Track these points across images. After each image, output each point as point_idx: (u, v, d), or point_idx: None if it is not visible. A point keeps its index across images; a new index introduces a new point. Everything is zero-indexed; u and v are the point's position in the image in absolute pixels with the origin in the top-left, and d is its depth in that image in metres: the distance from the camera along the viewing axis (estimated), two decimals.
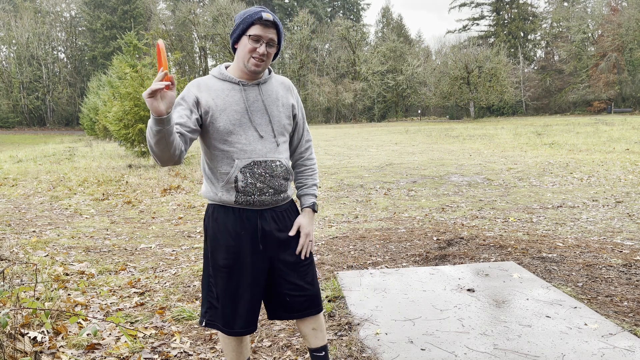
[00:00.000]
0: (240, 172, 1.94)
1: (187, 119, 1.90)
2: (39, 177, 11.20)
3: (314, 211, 2.15)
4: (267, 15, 1.91)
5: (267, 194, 1.99)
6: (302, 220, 2.11)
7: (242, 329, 2.03)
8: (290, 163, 2.13)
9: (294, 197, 2.22)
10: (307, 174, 2.19)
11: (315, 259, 4.49)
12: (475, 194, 7.87)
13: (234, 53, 2.00)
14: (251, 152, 1.96)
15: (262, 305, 2.17)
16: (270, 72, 2.10)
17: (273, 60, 2.04)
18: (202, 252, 2.13)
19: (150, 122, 1.72)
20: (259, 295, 2.07)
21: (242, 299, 2.02)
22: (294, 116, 2.12)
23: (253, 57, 1.93)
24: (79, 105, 45.45)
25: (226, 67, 2.06)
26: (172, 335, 2.96)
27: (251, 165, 1.95)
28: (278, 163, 2.00)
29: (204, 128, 1.97)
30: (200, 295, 3.63)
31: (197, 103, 1.94)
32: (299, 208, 2.18)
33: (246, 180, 1.95)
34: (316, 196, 2.16)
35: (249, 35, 1.90)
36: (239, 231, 1.99)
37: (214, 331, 3.02)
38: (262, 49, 1.92)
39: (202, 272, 2.07)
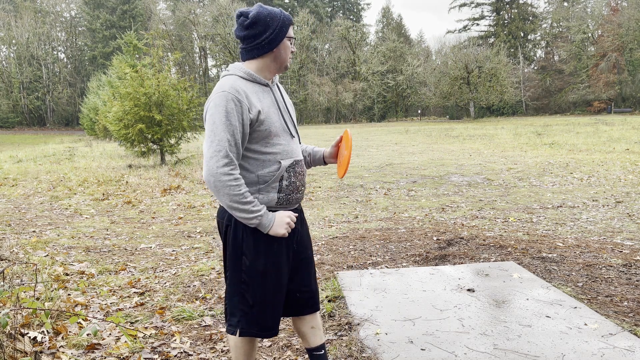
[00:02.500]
0: (286, 171, 1.97)
1: (239, 149, 1.90)
2: (39, 177, 11.20)
3: None
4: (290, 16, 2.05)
5: (301, 192, 2.07)
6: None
7: (276, 331, 2.05)
8: None
9: None
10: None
11: (316, 259, 4.49)
12: (475, 194, 7.87)
13: (264, 55, 1.96)
14: (291, 152, 2.01)
15: None
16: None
17: None
18: (223, 261, 2.06)
19: (243, 215, 1.88)
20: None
21: (279, 301, 2.03)
22: None
23: (289, 57, 2.03)
24: (79, 105, 45.45)
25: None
26: (172, 335, 2.96)
27: (294, 165, 2.00)
28: (304, 161, 2.13)
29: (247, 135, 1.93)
30: (195, 294, 3.63)
31: (248, 112, 1.87)
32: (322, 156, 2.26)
33: (290, 180, 1.99)
34: None
35: (290, 38, 1.99)
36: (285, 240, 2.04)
37: (214, 331, 3.02)
38: (293, 47, 2.05)
39: (226, 281, 2.04)
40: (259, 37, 1.92)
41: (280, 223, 1.92)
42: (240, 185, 1.85)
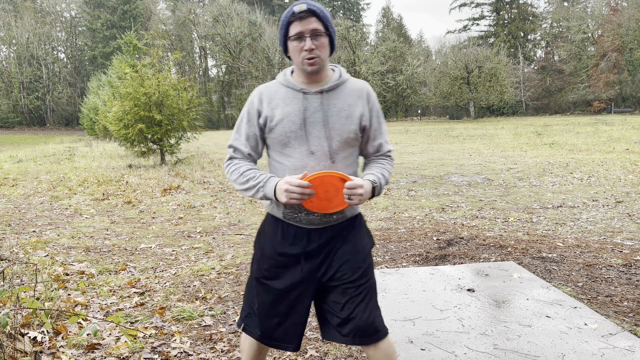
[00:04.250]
0: None
1: (255, 144, 1.91)
2: (39, 177, 11.20)
3: (373, 190, 1.80)
4: (300, 6, 1.73)
5: (315, 214, 1.82)
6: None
7: (286, 345, 1.98)
8: None
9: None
10: (374, 164, 1.92)
11: None
12: (475, 194, 7.87)
13: (291, 60, 1.85)
14: (302, 168, 1.79)
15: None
16: (340, 75, 1.87)
17: (331, 53, 1.84)
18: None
19: (251, 192, 1.82)
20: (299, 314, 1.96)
21: (283, 314, 1.95)
22: (363, 128, 1.86)
23: (304, 57, 1.74)
24: (79, 105, 45.47)
25: (292, 72, 1.88)
26: (172, 335, 2.96)
27: None
28: None
29: (265, 137, 1.89)
30: (195, 294, 3.63)
31: (259, 116, 1.85)
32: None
33: None
34: (383, 185, 1.85)
35: (290, 37, 1.75)
36: (285, 244, 1.89)
37: (214, 331, 3.02)
38: (307, 43, 1.72)
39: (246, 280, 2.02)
40: (281, 46, 1.85)
41: (280, 191, 1.72)
42: (239, 168, 1.87)
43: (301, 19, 1.72)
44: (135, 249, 5.08)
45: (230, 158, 1.93)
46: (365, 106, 1.87)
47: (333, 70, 1.91)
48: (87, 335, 2.81)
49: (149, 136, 13.21)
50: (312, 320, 3.15)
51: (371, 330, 1.84)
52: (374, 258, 4.46)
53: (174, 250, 5.01)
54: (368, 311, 1.84)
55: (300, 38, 1.73)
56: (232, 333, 3.01)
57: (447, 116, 56.84)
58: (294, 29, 1.74)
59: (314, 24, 1.73)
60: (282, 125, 1.80)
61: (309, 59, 1.74)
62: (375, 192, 1.80)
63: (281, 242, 1.90)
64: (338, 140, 1.80)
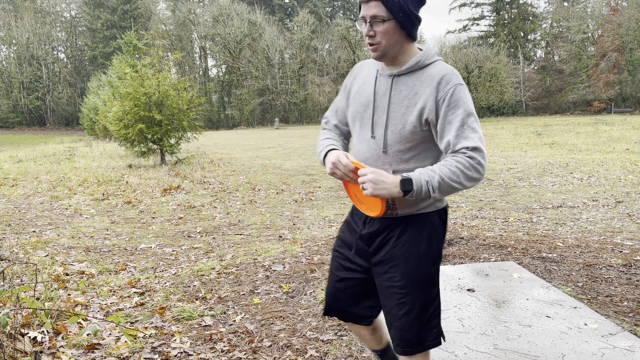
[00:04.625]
0: None
1: (343, 117, 1.91)
2: (39, 177, 11.20)
3: (405, 185, 1.56)
4: None
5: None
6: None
7: (331, 312, 2.06)
8: None
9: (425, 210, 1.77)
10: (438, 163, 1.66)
11: (315, 259, 4.49)
12: (475, 194, 7.87)
13: None
14: (357, 151, 1.77)
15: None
16: (418, 61, 1.68)
17: (411, 36, 1.67)
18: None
19: (319, 160, 1.80)
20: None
21: (330, 284, 2.03)
22: (427, 122, 1.65)
23: (367, 42, 1.67)
24: (79, 105, 45.47)
25: None
26: (172, 335, 2.96)
27: None
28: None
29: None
30: (195, 294, 3.63)
31: (347, 88, 1.88)
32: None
33: None
34: (425, 181, 1.56)
35: (361, 18, 1.66)
36: (352, 221, 1.90)
37: (214, 331, 3.02)
38: (365, 29, 1.65)
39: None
40: None
41: (328, 161, 1.69)
42: (320, 137, 1.90)
43: (364, 2, 1.64)
44: (135, 249, 5.08)
45: (322, 128, 1.98)
46: (432, 96, 1.63)
47: (420, 51, 1.73)
48: (87, 335, 2.81)
49: (149, 136, 13.21)
50: (312, 321, 3.15)
51: (407, 343, 1.80)
52: None
53: (174, 250, 5.01)
54: (409, 322, 1.76)
55: (364, 22, 1.66)
56: (232, 333, 3.01)
57: None
58: (360, 13, 1.67)
59: (373, 9, 1.61)
60: (354, 103, 1.78)
61: (369, 44, 1.66)
62: (404, 186, 1.55)
63: (352, 217, 1.93)
64: (394, 130, 1.68)
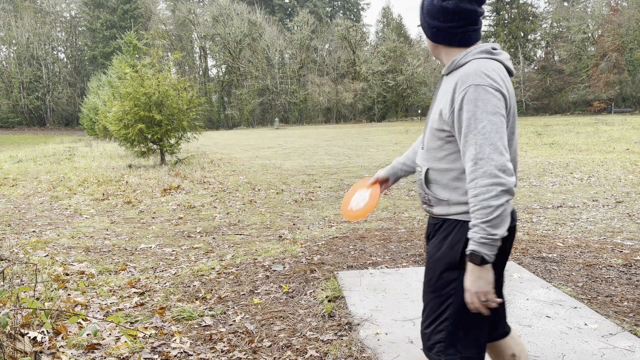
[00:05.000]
0: None
1: None
2: (39, 177, 11.20)
3: (475, 263, 1.52)
4: None
5: (422, 201, 1.82)
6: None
7: None
8: (435, 176, 1.69)
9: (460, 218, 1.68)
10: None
11: (315, 259, 4.49)
12: None
13: None
14: (418, 147, 1.90)
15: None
16: (453, 61, 1.67)
17: (442, 42, 1.71)
18: None
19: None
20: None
21: None
22: (446, 123, 1.62)
23: None
24: (79, 105, 45.49)
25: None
26: (172, 335, 2.96)
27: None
28: (418, 169, 1.78)
29: None
30: (195, 294, 3.62)
31: None
32: None
33: None
34: (479, 243, 1.49)
35: None
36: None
37: (214, 331, 3.02)
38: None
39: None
40: None
41: None
42: None
43: None
44: (135, 249, 5.08)
45: None
46: (448, 101, 1.60)
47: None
48: (87, 335, 2.81)
49: (149, 136, 13.21)
50: (312, 321, 3.15)
51: (424, 345, 1.77)
52: (374, 258, 4.46)
53: (174, 250, 5.01)
54: (422, 323, 1.77)
55: None
56: (232, 333, 3.01)
57: None
58: None
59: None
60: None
61: None
62: (475, 261, 1.52)
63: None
64: (429, 128, 1.72)
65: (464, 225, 1.63)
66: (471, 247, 1.51)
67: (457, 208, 1.65)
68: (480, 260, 1.50)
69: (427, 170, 1.70)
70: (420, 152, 1.77)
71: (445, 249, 1.68)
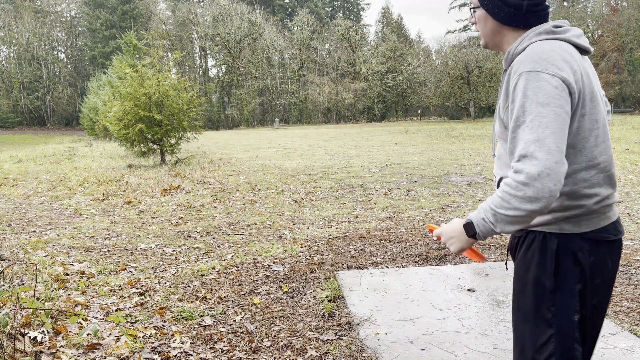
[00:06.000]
0: None
1: None
2: (39, 177, 11.20)
3: (467, 231, 1.42)
4: None
5: None
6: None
7: None
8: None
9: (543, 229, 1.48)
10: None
11: (315, 259, 4.49)
12: (475, 194, 7.87)
13: None
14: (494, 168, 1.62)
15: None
16: (509, 51, 1.47)
17: (508, 23, 1.47)
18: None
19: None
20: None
21: None
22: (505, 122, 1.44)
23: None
24: (79, 105, 45.49)
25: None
26: (172, 335, 2.96)
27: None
28: (493, 180, 1.60)
29: None
30: (195, 294, 3.63)
31: None
32: None
33: None
34: (481, 220, 1.37)
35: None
36: None
37: (214, 331, 3.02)
38: (471, 17, 1.56)
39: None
40: None
41: None
42: None
43: None
44: (135, 249, 5.08)
45: None
46: (502, 91, 1.44)
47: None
48: (87, 335, 2.81)
49: (149, 136, 13.21)
50: (312, 321, 3.15)
51: None
52: (374, 258, 4.46)
53: (174, 250, 5.01)
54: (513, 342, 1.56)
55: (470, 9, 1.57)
56: (232, 333, 3.01)
57: (447, 116, 56.85)
58: None
59: None
60: None
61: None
62: (468, 231, 1.41)
63: None
64: (495, 133, 1.52)
65: (549, 238, 1.44)
66: (473, 218, 1.39)
67: (542, 217, 1.44)
68: (472, 234, 1.39)
69: (500, 179, 1.52)
70: (494, 161, 1.58)
71: (533, 266, 1.46)
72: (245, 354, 2.73)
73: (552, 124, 1.27)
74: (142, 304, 3.49)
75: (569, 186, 1.39)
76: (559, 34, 1.42)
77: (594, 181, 1.40)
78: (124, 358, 2.68)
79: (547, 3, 1.45)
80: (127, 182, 10.01)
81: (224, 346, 2.83)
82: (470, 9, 1.54)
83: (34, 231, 5.94)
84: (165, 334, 2.98)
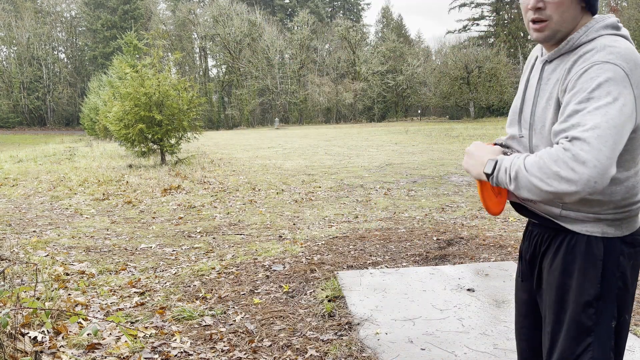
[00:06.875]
0: None
1: None
2: (40, 177, 11.21)
3: (485, 170, 1.34)
4: None
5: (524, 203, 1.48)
6: None
7: None
8: None
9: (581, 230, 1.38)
10: None
11: (315, 259, 4.49)
12: (475, 194, 7.87)
13: None
14: (512, 153, 1.43)
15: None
16: (569, 40, 1.33)
17: (592, 10, 1.34)
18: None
19: None
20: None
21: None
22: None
23: (529, 19, 1.35)
24: (80, 105, 45.49)
25: None
26: (172, 335, 2.96)
27: None
28: None
29: None
30: (195, 294, 3.63)
31: None
32: None
33: None
34: (505, 170, 1.27)
35: None
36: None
37: (214, 331, 3.02)
38: (529, 14, 1.34)
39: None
40: None
41: None
42: None
43: None
44: (136, 249, 5.09)
45: None
46: (560, 82, 1.31)
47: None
48: (88, 335, 2.81)
49: (149, 136, 13.21)
50: (312, 321, 3.15)
51: None
52: (374, 258, 4.46)
53: (174, 250, 5.01)
54: None
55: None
56: (232, 333, 3.01)
57: (447, 116, 56.86)
58: None
59: None
60: (515, 97, 1.48)
61: (533, 21, 1.33)
62: (486, 168, 1.32)
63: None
64: (536, 130, 1.38)
65: (592, 242, 1.35)
66: (500, 160, 1.29)
67: (581, 220, 1.37)
68: (487, 171, 1.32)
69: None
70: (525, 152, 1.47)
71: (578, 275, 1.36)
72: (245, 353, 2.74)
73: (617, 120, 1.16)
74: (142, 304, 3.49)
75: (620, 194, 1.32)
76: (622, 31, 1.32)
77: None
78: (124, 358, 2.69)
79: None
80: (127, 182, 10.01)
81: (224, 346, 2.83)
82: None
83: (34, 231, 5.94)
84: (166, 334, 2.98)
